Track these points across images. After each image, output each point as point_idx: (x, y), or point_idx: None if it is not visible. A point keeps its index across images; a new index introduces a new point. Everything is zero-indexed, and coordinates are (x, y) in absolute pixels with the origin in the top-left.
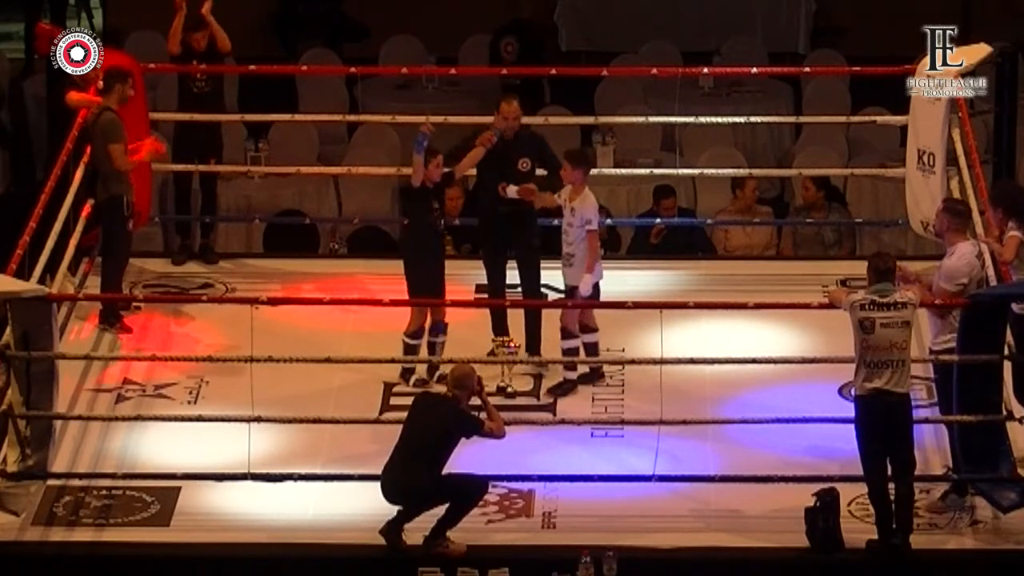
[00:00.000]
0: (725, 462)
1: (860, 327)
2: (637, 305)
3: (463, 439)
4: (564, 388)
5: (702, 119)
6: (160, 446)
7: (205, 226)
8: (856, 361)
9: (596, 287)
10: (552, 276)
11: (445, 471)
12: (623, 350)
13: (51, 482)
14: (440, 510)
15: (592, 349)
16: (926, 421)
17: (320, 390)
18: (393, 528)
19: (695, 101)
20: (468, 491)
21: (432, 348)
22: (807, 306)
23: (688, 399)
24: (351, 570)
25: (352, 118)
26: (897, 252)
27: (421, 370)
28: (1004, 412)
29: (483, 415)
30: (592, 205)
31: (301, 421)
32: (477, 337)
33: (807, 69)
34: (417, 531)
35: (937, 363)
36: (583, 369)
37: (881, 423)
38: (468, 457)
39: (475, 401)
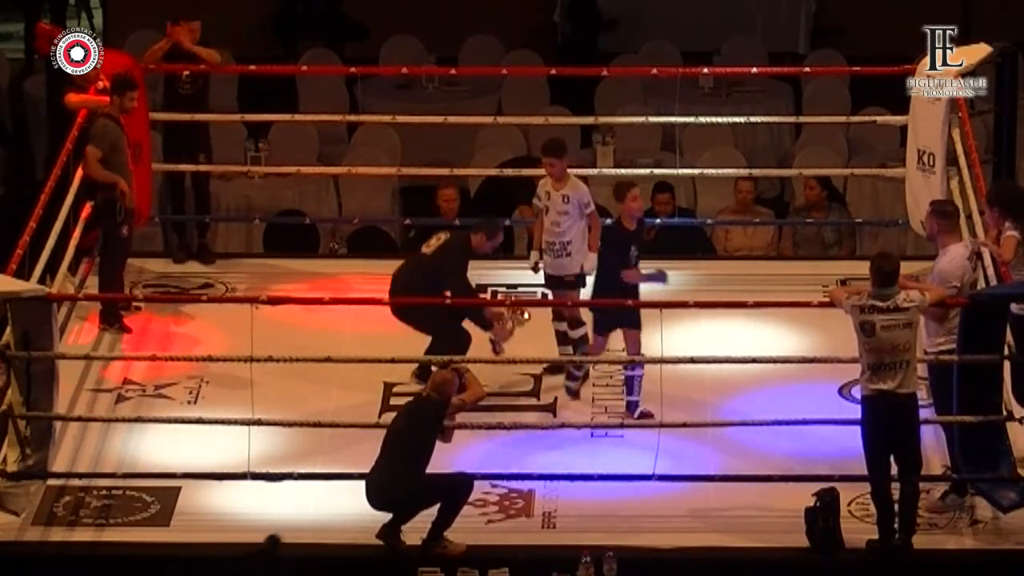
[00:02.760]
0: (725, 462)
1: (861, 330)
2: (637, 304)
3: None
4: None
5: (702, 119)
6: (160, 446)
7: (202, 226)
8: (860, 362)
9: (582, 277)
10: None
11: (433, 471)
12: (623, 350)
13: (51, 482)
14: (433, 512)
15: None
16: (926, 422)
17: (320, 390)
18: (390, 531)
19: (695, 101)
20: (456, 490)
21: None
22: (807, 305)
23: (688, 399)
24: (351, 570)
25: (352, 118)
26: (897, 252)
27: None
28: (1004, 412)
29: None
30: (584, 189)
31: (301, 425)
32: (477, 337)
33: (807, 69)
34: (416, 531)
35: (932, 365)
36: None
37: (887, 423)
38: (468, 457)
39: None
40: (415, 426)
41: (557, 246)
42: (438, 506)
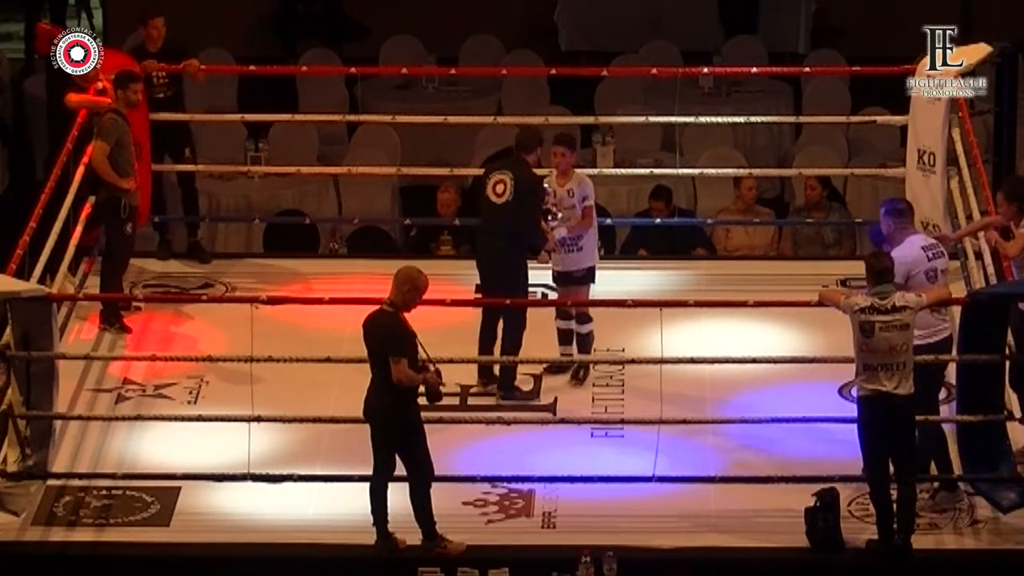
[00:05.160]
0: (725, 462)
1: (860, 331)
2: (637, 304)
3: None
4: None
5: (702, 119)
6: (160, 446)
7: (192, 224)
8: (856, 362)
9: (592, 272)
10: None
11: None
12: (623, 350)
13: (51, 482)
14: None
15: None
16: (926, 421)
17: (320, 390)
18: (382, 535)
19: (695, 101)
20: (423, 471)
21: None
22: (807, 304)
23: (688, 399)
24: (351, 570)
25: (352, 118)
26: None
27: None
28: (1004, 412)
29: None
30: (589, 183)
31: (301, 421)
32: (475, 336)
33: (807, 69)
34: (415, 531)
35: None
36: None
37: (883, 424)
38: (467, 455)
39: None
40: (376, 342)
41: (568, 241)
42: (415, 503)
